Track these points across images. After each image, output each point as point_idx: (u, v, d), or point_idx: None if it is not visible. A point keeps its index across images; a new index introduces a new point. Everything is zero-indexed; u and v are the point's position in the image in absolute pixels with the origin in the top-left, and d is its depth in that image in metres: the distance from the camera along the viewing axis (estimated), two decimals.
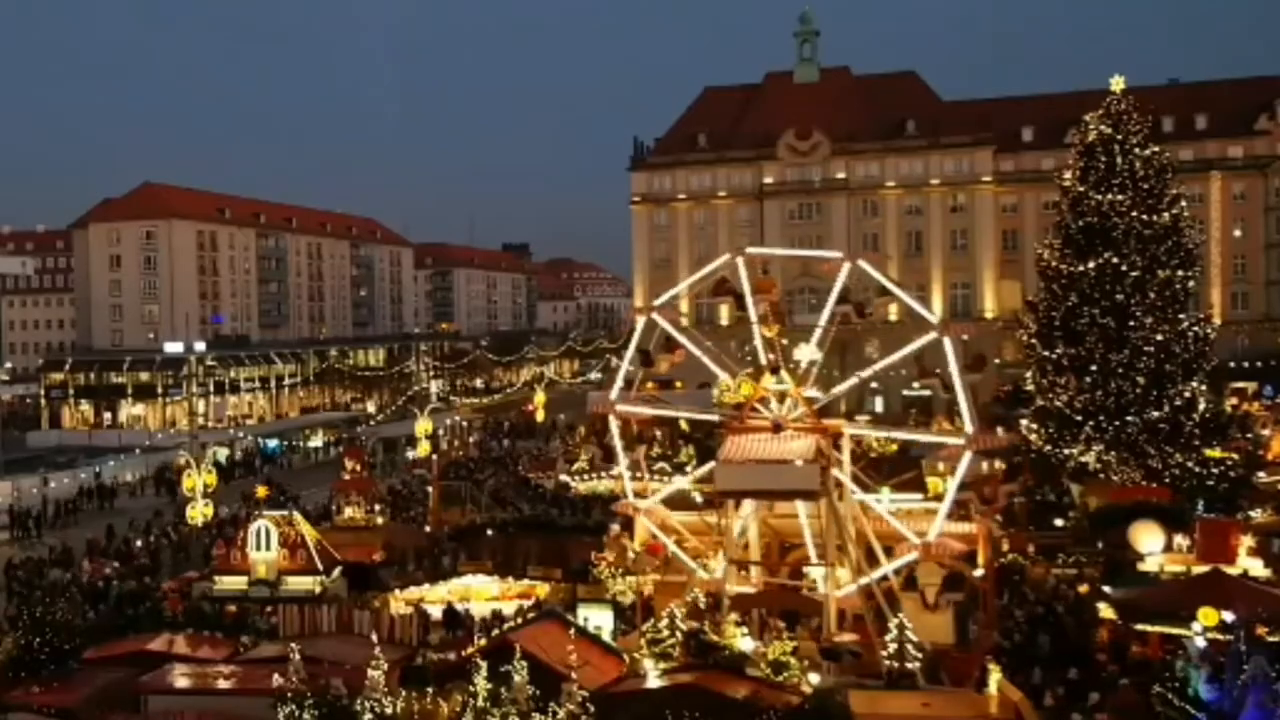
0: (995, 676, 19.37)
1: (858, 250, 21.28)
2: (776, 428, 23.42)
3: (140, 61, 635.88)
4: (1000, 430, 28.32)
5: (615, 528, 27.93)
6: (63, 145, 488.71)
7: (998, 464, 27.50)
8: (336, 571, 29.63)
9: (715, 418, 27.36)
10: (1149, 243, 39.37)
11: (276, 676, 17.34)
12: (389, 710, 16.55)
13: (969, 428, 22.72)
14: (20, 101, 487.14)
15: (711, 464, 25.24)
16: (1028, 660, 23.14)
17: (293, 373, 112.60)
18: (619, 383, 26.91)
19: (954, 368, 23.04)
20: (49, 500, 54.11)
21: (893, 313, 71.47)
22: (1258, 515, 32.84)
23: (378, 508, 38.20)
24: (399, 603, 26.98)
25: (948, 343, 23.37)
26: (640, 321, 26.68)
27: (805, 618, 23.66)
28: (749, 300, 25.06)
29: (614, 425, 26.78)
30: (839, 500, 23.71)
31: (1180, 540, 26.97)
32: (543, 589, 28.11)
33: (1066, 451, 39.48)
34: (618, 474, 27.80)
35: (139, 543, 41.88)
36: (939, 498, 24.52)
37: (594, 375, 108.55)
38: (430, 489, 44.95)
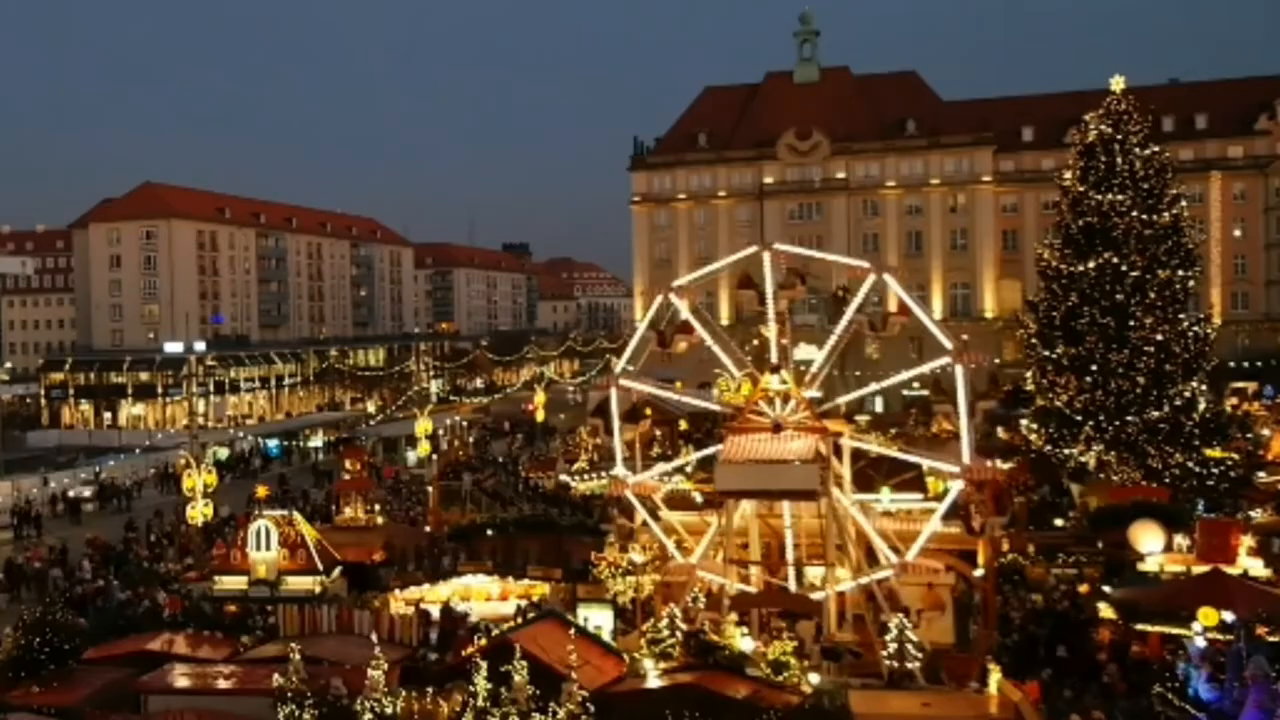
0: (995, 676, 19.33)
1: (879, 261, 21.29)
2: (776, 428, 23.42)
3: (140, 61, 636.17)
4: (997, 462, 27.81)
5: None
6: (63, 145, 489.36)
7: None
8: (336, 571, 29.60)
9: (715, 406, 27.03)
10: (1149, 243, 39.32)
11: (276, 676, 17.33)
12: (389, 710, 16.55)
13: (966, 458, 22.75)
14: (20, 101, 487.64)
15: (702, 453, 24.89)
16: (1028, 660, 23.11)
17: (293, 373, 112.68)
18: (625, 356, 26.46)
19: (962, 396, 22.99)
20: (48, 500, 54.17)
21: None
22: (1258, 515, 32.79)
23: (378, 508, 38.25)
24: (399, 603, 26.92)
25: (959, 370, 23.10)
26: (657, 300, 25.98)
27: (804, 618, 23.65)
28: (769, 297, 24.91)
29: (614, 397, 26.44)
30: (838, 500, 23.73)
31: (1180, 540, 26.94)
32: (543, 589, 28.06)
33: (1066, 451, 39.46)
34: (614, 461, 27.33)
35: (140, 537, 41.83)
36: (939, 497, 24.53)
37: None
38: (430, 489, 44.94)
